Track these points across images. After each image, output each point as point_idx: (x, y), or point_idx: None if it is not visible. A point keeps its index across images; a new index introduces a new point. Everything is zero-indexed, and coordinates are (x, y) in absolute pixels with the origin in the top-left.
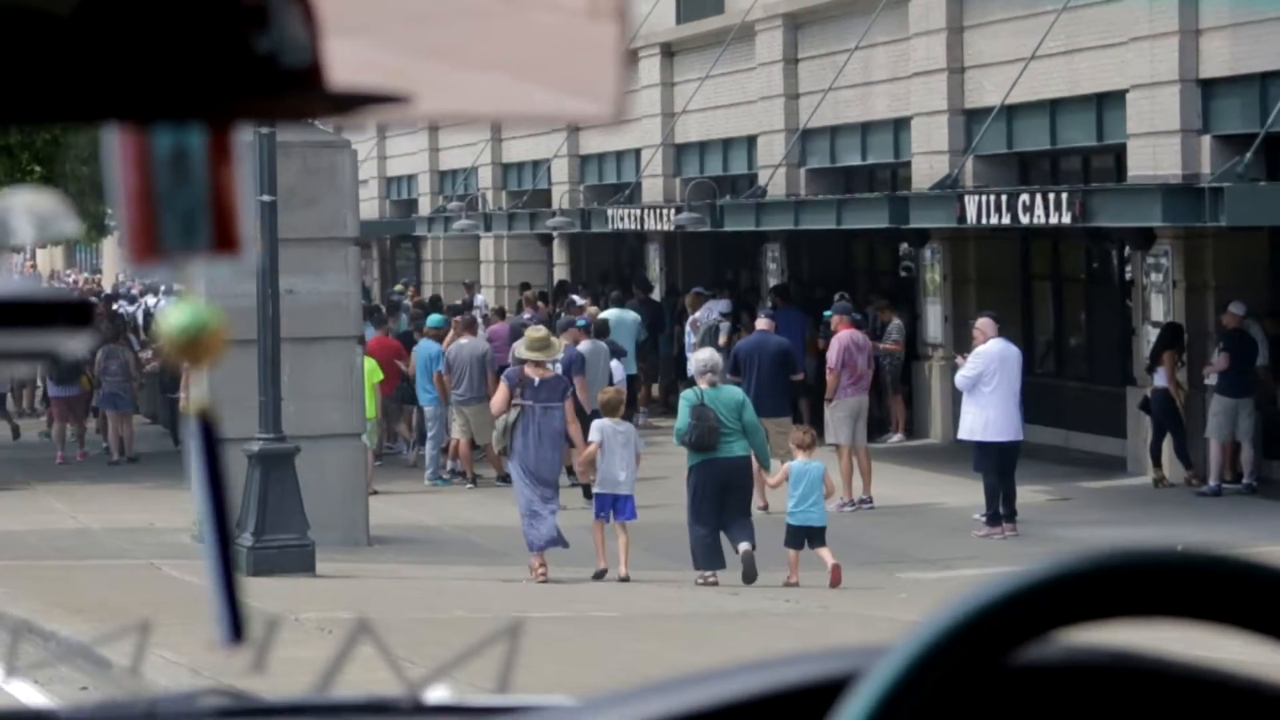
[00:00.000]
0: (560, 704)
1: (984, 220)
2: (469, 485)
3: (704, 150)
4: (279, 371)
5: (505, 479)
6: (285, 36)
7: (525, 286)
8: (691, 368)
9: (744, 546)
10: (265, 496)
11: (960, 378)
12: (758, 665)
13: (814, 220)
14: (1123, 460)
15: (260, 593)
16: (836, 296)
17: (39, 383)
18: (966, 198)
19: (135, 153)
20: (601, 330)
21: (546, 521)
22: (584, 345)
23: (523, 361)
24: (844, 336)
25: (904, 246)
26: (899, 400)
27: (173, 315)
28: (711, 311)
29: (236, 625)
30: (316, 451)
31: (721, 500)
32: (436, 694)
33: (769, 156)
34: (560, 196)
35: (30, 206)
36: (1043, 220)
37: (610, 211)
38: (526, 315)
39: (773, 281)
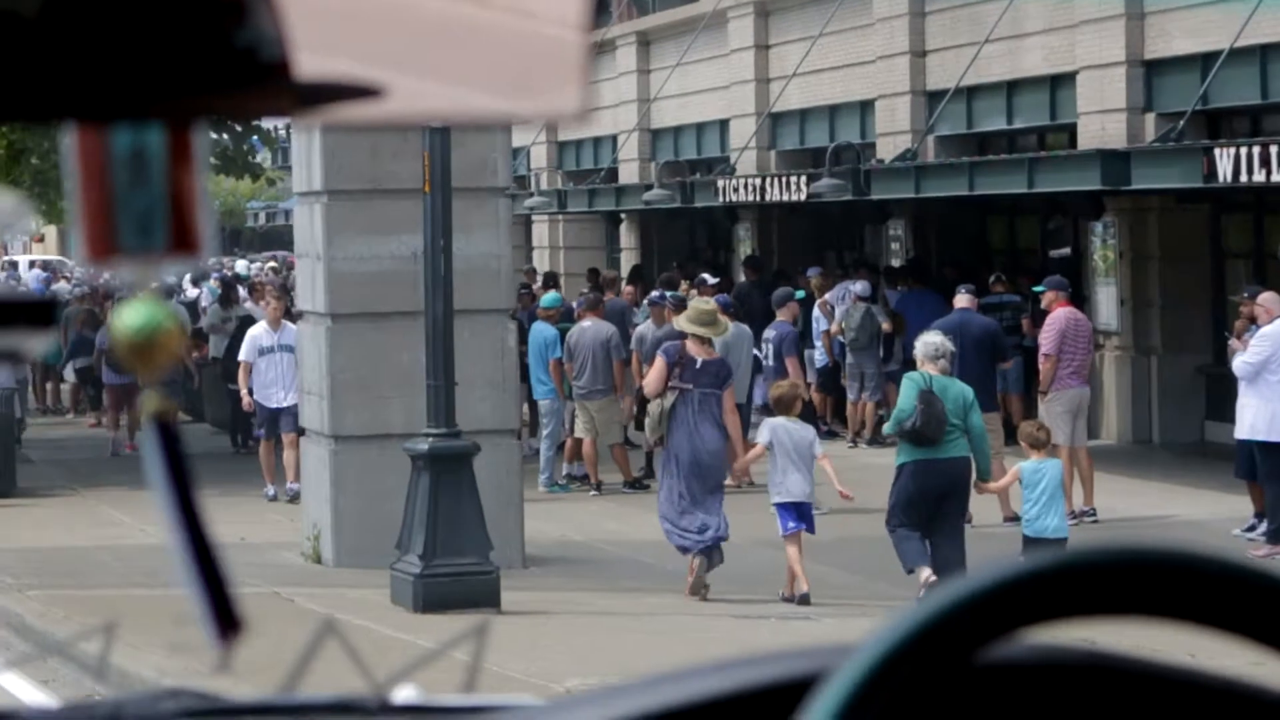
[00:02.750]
0: (528, 703)
1: (1242, 179)
2: (593, 492)
3: (805, 119)
4: (452, 347)
5: (633, 484)
6: (254, 32)
7: (594, 273)
8: (918, 351)
9: (926, 574)
10: (436, 509)
11: (1240, 364)
12: (725, 664)
13: (995, 184)
14: None
15: (442, 635)
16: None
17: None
18: (1219, 152)
19: (93, 151)
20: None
21: (699, 520)
22: (731, 330)
23: (683, 336)
24: (1061, 316)
25: (1053, 221)
26: None
27: (126, 316)
28: (845, 294)
29: (230, 620)
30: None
31: (936, 508)
32: (404, 694)
33: (889, 123)
34: (631, 173)
35: None
36: None
37: (721, 183)
38: (655, 294)
39: (895, 261)
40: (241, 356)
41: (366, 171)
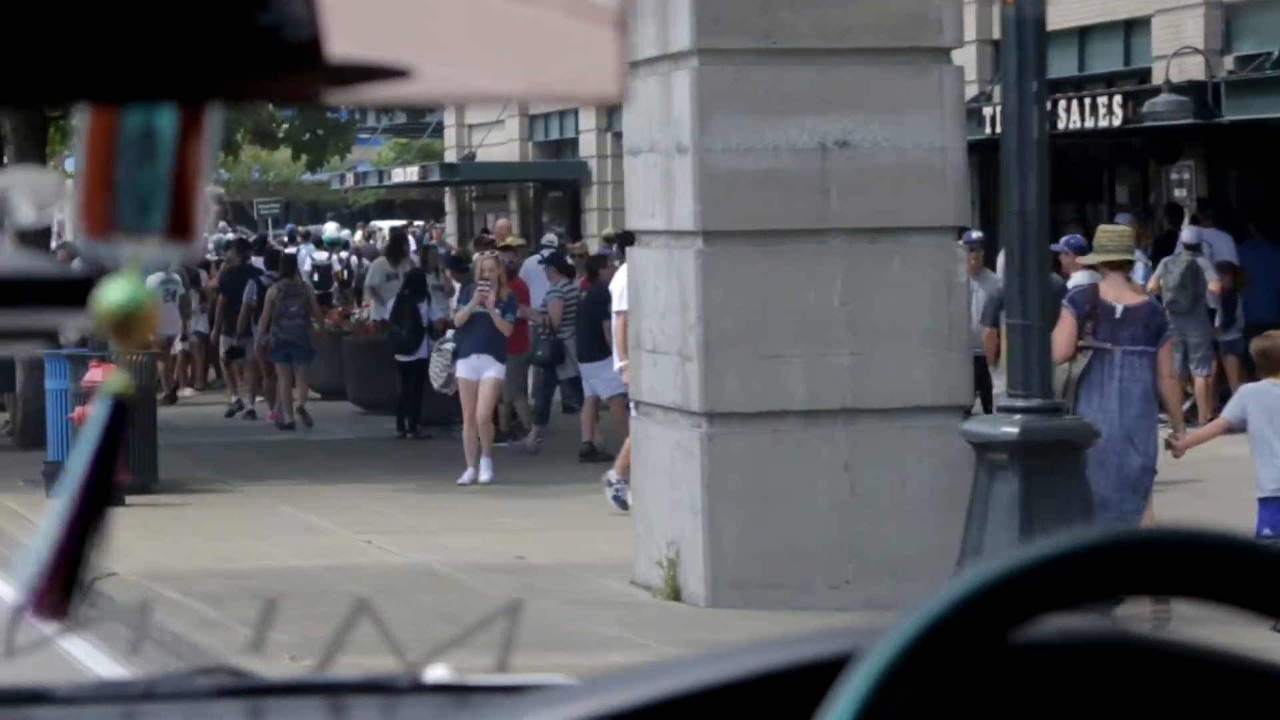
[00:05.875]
0: (560, 682)
1: None
2: None
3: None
4: (1046, 262)
5: None
6: (280, 13)
7: None
8: None
9: None
10: (1030, 530)
11: None
12: (758, 646)
13: None
14: None
15: None
16: None
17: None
18: None
19: (104, 127)
20: None
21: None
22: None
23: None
24: None
25: None
26: None
27: (109, 292)
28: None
29: (58, 607)
30: (891, 436)
31: None
32: (436, 673)
33: (1169, 42)
34: None
35: (29, 183)
36: None
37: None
38: (974, 235)
39: (1190, 211)
40: (625, 305)
41: (754, 23)
